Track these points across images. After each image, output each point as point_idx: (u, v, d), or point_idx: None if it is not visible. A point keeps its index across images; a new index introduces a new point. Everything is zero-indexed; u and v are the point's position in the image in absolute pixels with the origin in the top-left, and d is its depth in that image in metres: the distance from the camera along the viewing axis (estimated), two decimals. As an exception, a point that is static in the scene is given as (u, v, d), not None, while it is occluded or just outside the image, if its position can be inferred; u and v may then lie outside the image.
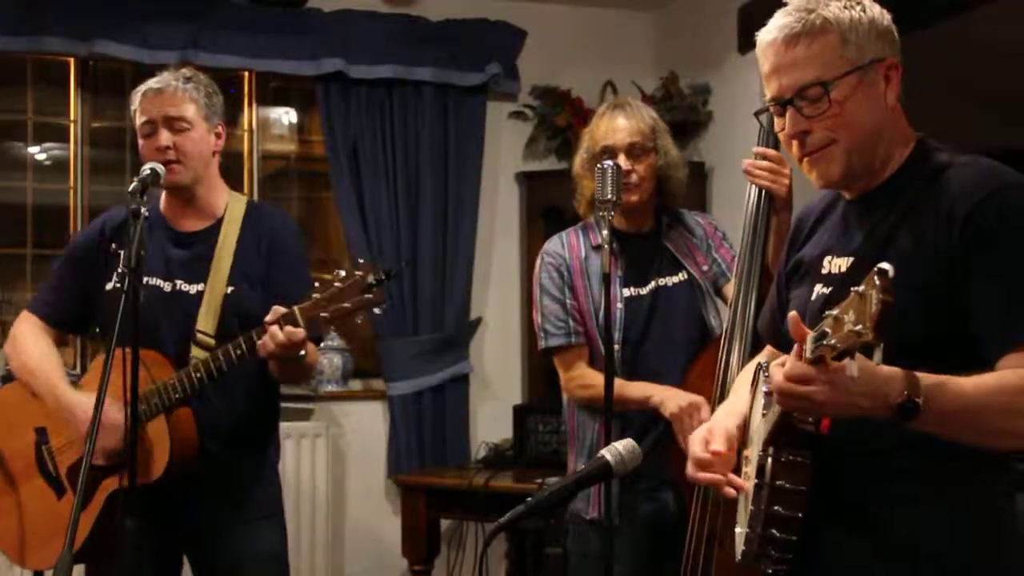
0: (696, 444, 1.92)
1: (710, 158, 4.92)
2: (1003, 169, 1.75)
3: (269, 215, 2.92)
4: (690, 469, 1.91)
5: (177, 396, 2.63)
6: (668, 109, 4.79)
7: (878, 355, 1.40)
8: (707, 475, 1.88)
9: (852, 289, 1.43)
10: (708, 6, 4.88)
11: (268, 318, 2.54)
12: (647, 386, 2.93)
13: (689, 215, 3.21)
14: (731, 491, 1.86)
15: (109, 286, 2.76)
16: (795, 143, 1.81)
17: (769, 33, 1.80)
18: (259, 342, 2.55)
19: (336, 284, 2.50)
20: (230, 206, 2.86)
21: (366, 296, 2.49)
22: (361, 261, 2.56)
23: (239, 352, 2.60)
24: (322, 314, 2.51)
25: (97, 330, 2.97)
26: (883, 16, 1.81)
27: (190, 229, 2.84)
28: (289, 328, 2.50)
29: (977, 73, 5.34)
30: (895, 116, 1.82)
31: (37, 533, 2.77)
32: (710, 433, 1.92)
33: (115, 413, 2.44)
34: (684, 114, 4.88)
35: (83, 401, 2.67)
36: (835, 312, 1.46)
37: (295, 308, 2.52)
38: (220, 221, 2.83)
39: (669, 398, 2.87)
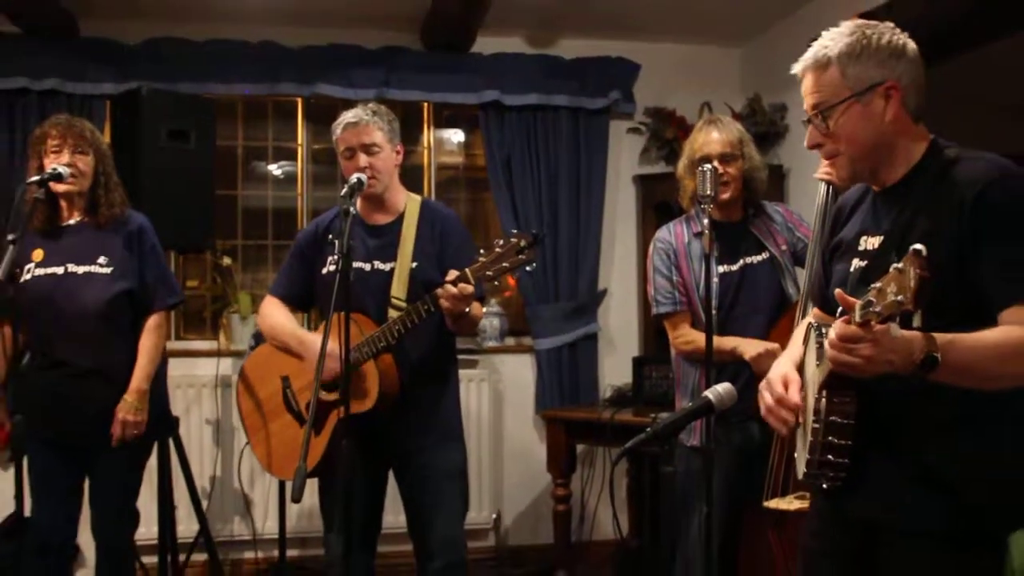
0: (773, 388, 1.84)
1: (787, 162, 4.80)
2: (1004, 161, 1.68)
3: (438, 209, 2.97)
4: (764, 411, 1.86)
5: (382, 344, 2.71)
6: (753, 123, 4.71)
7: (917, 319, 1.36)
8: (775, 419, 1.83)
9: (893, 266, 1.39)
10: (784, 40, 4.75)
11: (447, 277, 2.60)
12: (733, 339, 2.93)
13: (770, 206, 3.16)
14: (785, 432, 1.82)
15: (324, 271, 2.86)
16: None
17: (797, 64, 1.80)
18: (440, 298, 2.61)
19: (497, 250, 2.55)
20: (408, 204, 2.92)
21: (519, 256, 2.52)
22: (514, 232, 2.59)
23: (427, 307, 2.66)
24: (487, 272, 2.55)
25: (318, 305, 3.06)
26: (895, 41, 1.73)
27: (380, 223, 2.90)
28: (461, 284, 2.56)
29: (997, 88, 5.02)
30: (898, 126, 1.74)
31: (286, 455, 2.88)
32: (786, 380, 1.84)
33: (334, 347, 2.57)
34: (766, 127, 4.77)
35: (315, 339, 2.77)
36: (878, 285, 1.43)
37: (467, 270, 2.58)
38: (402, 215, 2.89)
39: (749, 345, 2.88)
